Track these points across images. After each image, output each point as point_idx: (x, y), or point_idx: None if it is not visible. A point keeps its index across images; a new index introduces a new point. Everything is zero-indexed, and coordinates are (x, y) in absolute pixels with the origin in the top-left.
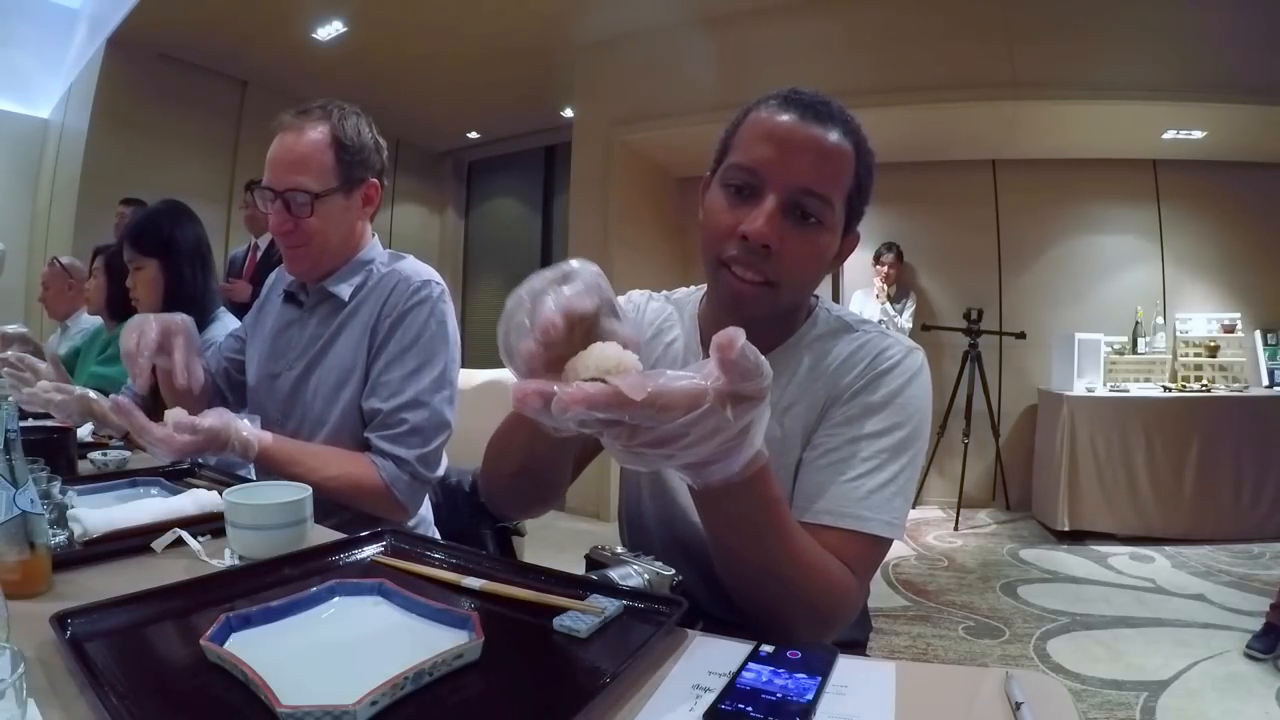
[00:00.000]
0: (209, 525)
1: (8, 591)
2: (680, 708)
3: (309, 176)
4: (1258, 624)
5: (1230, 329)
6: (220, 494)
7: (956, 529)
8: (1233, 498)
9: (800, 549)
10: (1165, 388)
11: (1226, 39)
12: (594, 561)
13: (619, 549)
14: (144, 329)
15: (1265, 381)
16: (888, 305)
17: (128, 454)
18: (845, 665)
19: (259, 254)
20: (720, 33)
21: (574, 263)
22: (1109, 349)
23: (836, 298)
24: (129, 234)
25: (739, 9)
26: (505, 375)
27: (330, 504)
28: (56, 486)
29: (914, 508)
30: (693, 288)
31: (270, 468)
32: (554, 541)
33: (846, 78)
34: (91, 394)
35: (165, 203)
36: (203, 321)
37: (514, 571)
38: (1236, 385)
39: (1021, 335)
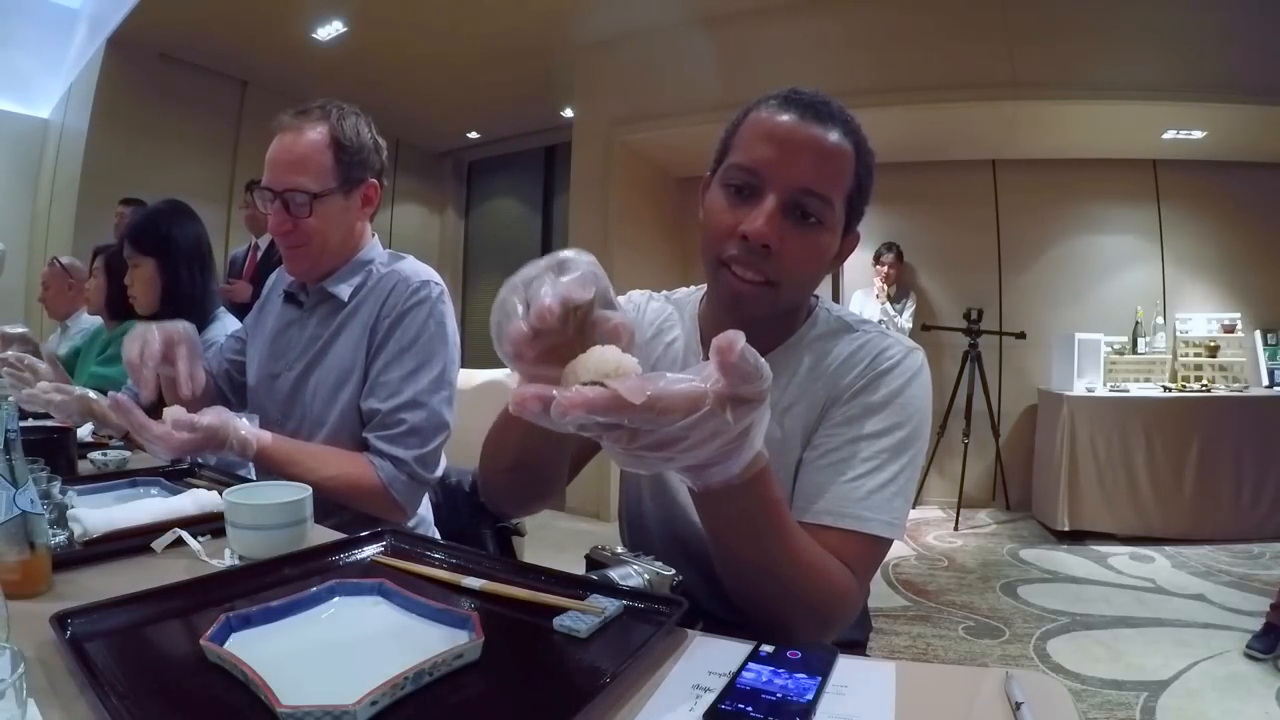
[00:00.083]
0: (209, 525)
1: (8, 591)
2: (680, 708)
3: (308, 177)
4: (1258, 624)
5: (1230, 329)
6: (220, 494)
7: (956, 529)
8: (1233, 498)
9: (800, 549)
10: (1165, 388)
11: (1226, 39)
12: (594, 561)
13: (619, 549)
14: (147, 339)
15: (1265, 381)
16: (888, 305)
17: (128, 454)
18: (845, 665)
19: (259, 254)
20: (720, 33)
21: (569, 252)
22: (1109, 349)
23: (836, 298)
24: (128, 232)
25: (739, 9)
26: (505, 375)
27: (330, 504)
28: (56, 486)
29: (914, 508)
30: (693, 288)
31: (268, 467)
32: (554, 541)
33: (846, 78)
34: (91, 394)
35: (166, 202)
36: (202, 322)
37: (514, 571)
38: (1236, 385)
39: (1021, 335)
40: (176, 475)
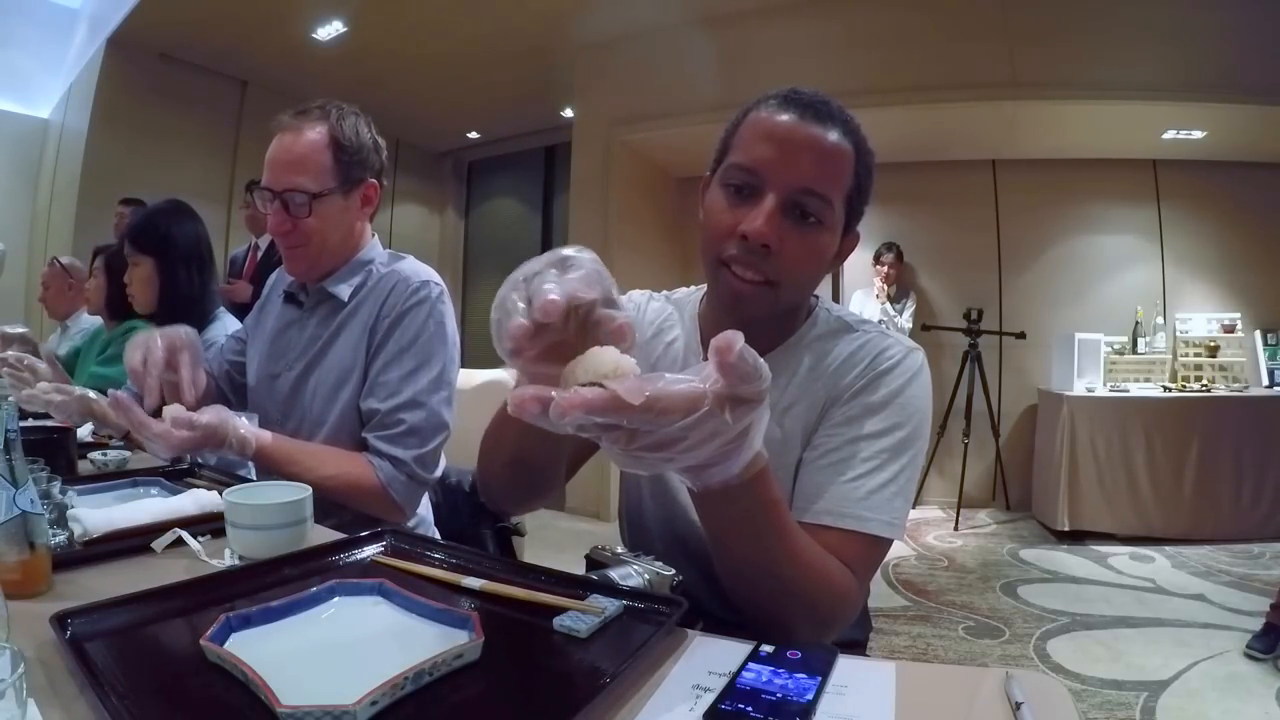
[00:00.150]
0: (209, 525)
1: (8, 591)
2: (680, 708)
3: (307, 177)
4: (1258, 624)
5: (1230, 329)
6: (220, 494)
7: (956, 529)
8: (1233, 498)
9: (800, 549)
10: (1165, 388)
11: (1226, 39)
12: (594, 561)
13: (619, 549)
14: (150, 347)
15: (1265, 381)
16: (888, 305)
17: (128, 454)
18: (845, 665)
19: (259, 254)
20: (720, 33)
21: (570, 249)
22: (1109, 349)
23: (836, 298)
24: (128, 231)
25: (739, 9)
26: (505, 375)
27: (329, 504)
28: (56, 486)
29: (914, 508)
30: (693, 288)
31: (268, 466)
32: (554, 541)
33: (846, 78)
34: (91, 394)
35: (168, 202)
36: (201, 322)
37: (514, 571)
38: (1236, 385)
39: (1021, 335)
40: (176, 475)
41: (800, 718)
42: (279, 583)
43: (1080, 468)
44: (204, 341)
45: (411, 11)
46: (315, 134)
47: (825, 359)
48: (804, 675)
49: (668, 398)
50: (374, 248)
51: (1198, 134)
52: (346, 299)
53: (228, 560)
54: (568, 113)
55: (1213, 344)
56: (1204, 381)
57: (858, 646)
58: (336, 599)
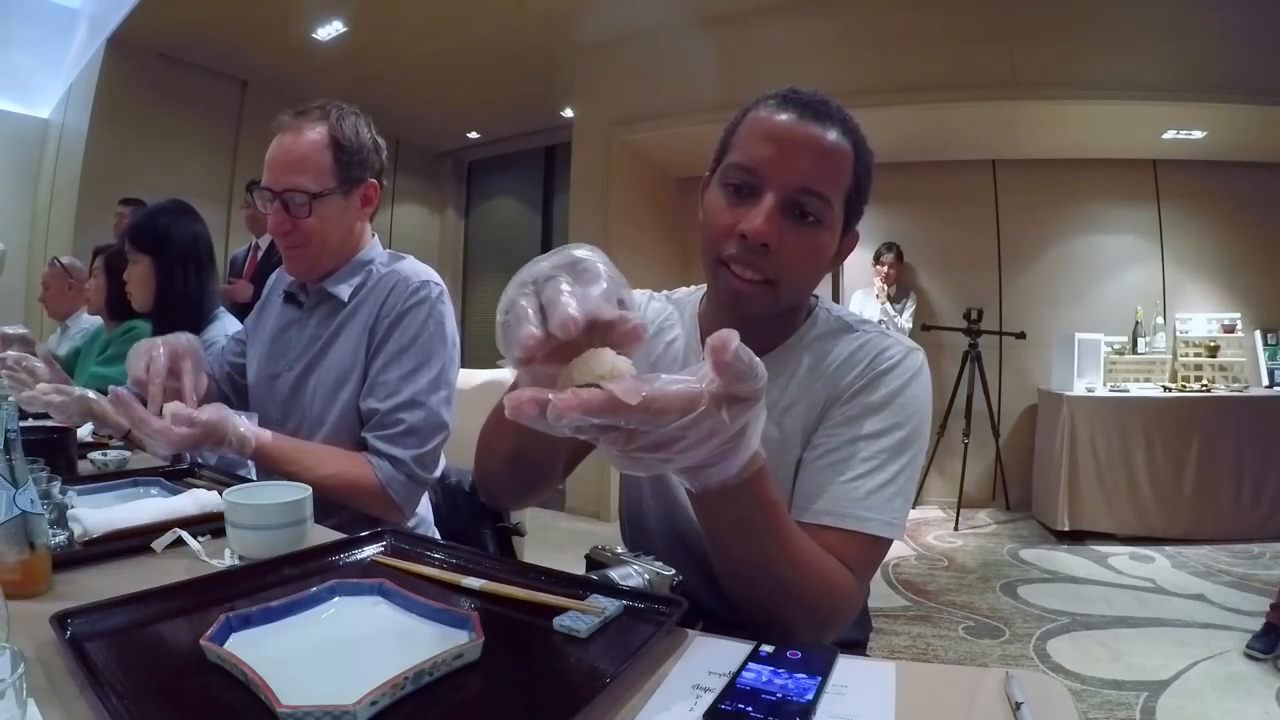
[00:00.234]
0: (209, 525)
1: (8, 591)
2: (680, 708)
3: (307, 177)
4: (1258, 624)
5: (1230, 329)
6: (220, 494)
7: (956, 529)
8: (1233, 498)
9: (799, 550)
10: (1165, 388)
11: (1226, 39)
12: (594, 561)
13: (619, 549)
14: (152, 354)
15: (1265, 381)
16: (888, 305)
17: (128, 454)
18: (845, 665)
19: (259, 254)
20: (720, 33)
21: (581, 251)
22: (1109, 349)
23: (836, 298)
24: (128, 229)
25: (739, 9)
26: (505, 375)
27: (329, 504)
28: (56, 486)
29: (914, 508)
30: (693, 288)
31: (267, 465)
32: (554, 541)
33: (846, 78)
34: (91, 394)
35: (170, 201)
36: (200, 322)
37: (514, 571)
38: (1236, 385)
39: (1021, 335)
40: (176, 475)
41: (800, 718)
42: (279, 583)
43: (1080, 468)
44: (204, 342)
45: (411, 11)
46: (315, 134)
47: (825, 359)
48: (804, 675)
49: (665, 397)
50: (374, 248)
51: (1198, 134)
52: (346, 299)
53: (228, 560)
54: (568, 113)
55: (1213, 344)
56: (1204, 381)
57: (858, 646)
58: (336, 599)
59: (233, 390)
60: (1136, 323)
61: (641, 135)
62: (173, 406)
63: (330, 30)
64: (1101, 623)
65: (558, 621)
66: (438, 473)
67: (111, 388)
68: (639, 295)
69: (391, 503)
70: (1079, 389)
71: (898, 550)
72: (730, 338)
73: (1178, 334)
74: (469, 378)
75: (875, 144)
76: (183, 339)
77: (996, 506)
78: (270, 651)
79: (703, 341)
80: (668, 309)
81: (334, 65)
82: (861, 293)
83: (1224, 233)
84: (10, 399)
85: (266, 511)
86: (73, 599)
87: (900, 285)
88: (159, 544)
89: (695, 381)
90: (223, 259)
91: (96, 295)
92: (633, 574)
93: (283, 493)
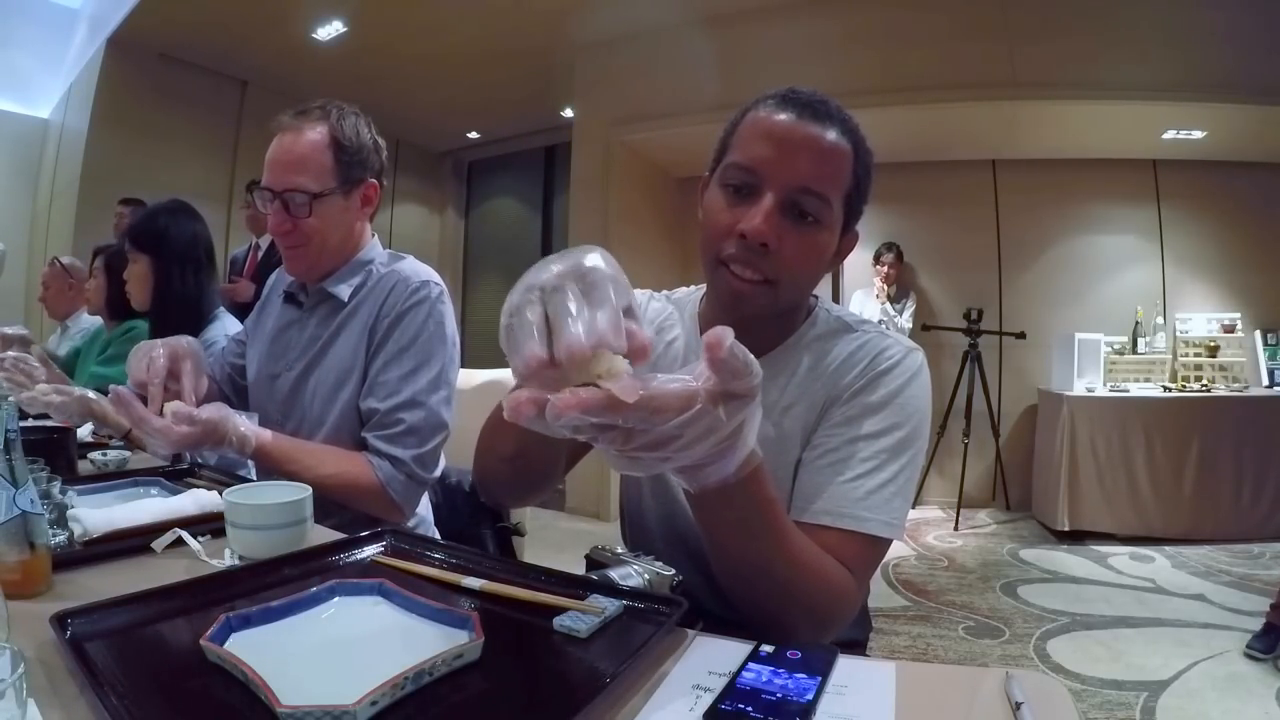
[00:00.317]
0: (209, 525)
1: (8, 591)
2: (680, 708)
3: (307, 177)
4: (1258, 624)
5: (1230, 329)
6: (220, 494)
7: (956, 529)
8: (1233, 498)
9: (797, 550)
10: (1165, 388)
11: (1226, 39)
12: (594, 561)
13: (619, 549)
14: (152, 357)
15: (1265, 381)
16: (888, 305)
17: (128, 454)
18: (845, 665)
19: (259, 254)
20: (720, 33)
21: (589, 260)
22: (1109, 349)
23: (836, 298)
24: (128, 229)
25: (739, 9)
26: (505, 375)
27: (329, 504)
28: (56, 486)
29: (914, 508)
30: (693, 287)
31: (267, 464)
32: (554, 541)
33: (846, 78)
34: (91, 394)
35: (171, 201)
36: (199, 322)
37: (514, 571)
38: (1236, 385)
39: (1021, 335)
40: (176, 475)
41: (800, 718)
42: (279, 583)
43: (1080, 468)
44: (204, 342)
45: (411, 11)
46: (315, 134)
47: (825, 359)
48: (804, 675)
49: (662, 396)
50: (374, 248)
51: (1198, 134)
52: (346, 299)
53: (228, 560)
54: (568, 113)
55: (1213, 344)
56: (1204, 381)
57: (858, 646)
58: (336, 599)
59: (234, 391)
60: (1136, 323)
61: (641, 135)
62: (173, 405)
63: (330, 30)
64: (1101, 623)
65: (558, 621)
66: (438, 473)
67: (112, 387)
68: (639, 295)
69: (391, 502)
70: (1079, 389)
71: (898, 550)
72: (725, 335)
73: (1178, 334)
74: (469, 378)
75: (875, 144)
76: (183, 341)
77: (996, 506)
78: (270, 651)
79: None
80: (668, 309)
81: (334, 65)
82: (861, 293)
83: (1224, 233)
84: (10, 399)
85: (266, 511)
86: (73, 599)
87: (900, 285)
88: (159, 544)
89: (692, 380)
90: (223, 259)
91: (96, 295)
92: (633, 574)
93: (283, 493)
